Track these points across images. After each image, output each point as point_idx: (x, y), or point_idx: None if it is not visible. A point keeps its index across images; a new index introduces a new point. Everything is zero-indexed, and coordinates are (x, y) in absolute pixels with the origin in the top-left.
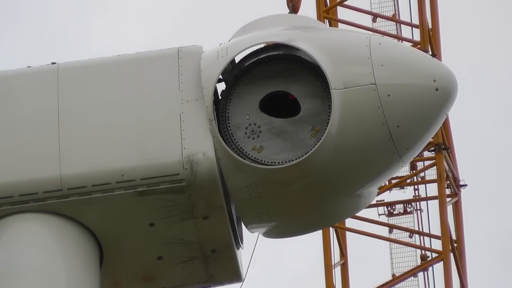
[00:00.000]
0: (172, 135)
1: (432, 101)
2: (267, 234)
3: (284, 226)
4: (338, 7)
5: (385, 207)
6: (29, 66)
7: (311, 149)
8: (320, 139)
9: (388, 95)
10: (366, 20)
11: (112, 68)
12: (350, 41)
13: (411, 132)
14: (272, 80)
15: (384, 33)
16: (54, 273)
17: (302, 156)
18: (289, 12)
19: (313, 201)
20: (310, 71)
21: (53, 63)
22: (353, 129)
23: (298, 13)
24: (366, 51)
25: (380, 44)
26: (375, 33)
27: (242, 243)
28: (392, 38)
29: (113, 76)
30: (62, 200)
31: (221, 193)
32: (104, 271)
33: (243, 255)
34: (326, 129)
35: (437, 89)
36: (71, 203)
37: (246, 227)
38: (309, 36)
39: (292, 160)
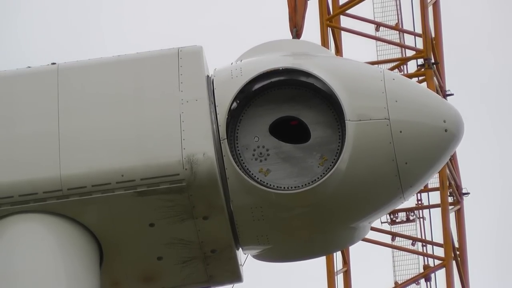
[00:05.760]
0: (172, 135)
1: (441, 141)
2: (259, 257)
3: (278, 251)
4: (341, 16)
5: (387, 215)
6: (29, 66)
7: (318, 178)
8: (328, 168)
9: (400, 132)
10: (369, 29)
11: (112, 68)
12: (364, 73)
13: (417, 170)
14: (284, 104)
15: (387, 42)
16: (54, 273)
17: (310, 183)
18: (293, 37)
19: (312, 230)
20: (322, 99)
21: (53, 63)
22: (363, 162)
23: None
24: (380, 85)
25: (394, 79)
26: (388, 70)
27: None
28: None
29: (113, 76)
30: (62, 200)
31: (221, 193)
32: (104, 271)
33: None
34: (335, 159)
35: (446, 130)
36: (71, 203)
37: (242, 248)
38: (324, 65)
39: (299, 187)
